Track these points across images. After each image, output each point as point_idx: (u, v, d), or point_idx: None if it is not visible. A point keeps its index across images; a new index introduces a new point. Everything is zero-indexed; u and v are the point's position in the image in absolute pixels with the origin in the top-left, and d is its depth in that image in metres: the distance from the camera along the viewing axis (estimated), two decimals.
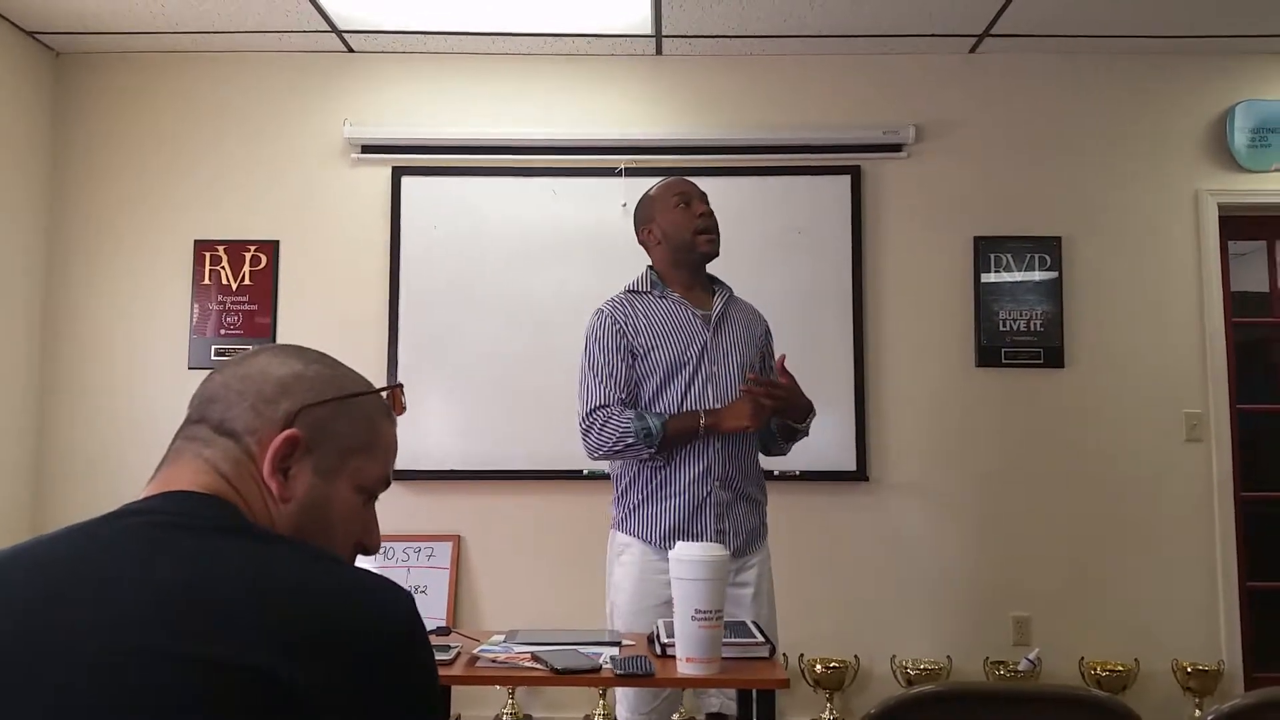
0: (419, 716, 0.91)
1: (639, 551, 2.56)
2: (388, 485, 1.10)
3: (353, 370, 1.09)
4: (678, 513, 2.54)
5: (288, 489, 1.00)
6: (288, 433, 1.00)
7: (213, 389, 1.03)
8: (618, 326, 2.62)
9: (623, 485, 2.63)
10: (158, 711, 0.79)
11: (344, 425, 1.04)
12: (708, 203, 2.70)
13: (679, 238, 2.66)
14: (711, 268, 2.75)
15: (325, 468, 1.03)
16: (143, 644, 0.81)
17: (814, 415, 2.71)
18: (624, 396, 2.58)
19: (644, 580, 2.52)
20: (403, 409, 1.14)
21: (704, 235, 2.65)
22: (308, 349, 1.08)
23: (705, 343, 2.62)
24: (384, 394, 1.11)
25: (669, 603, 2.39)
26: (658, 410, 2.57)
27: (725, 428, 2.52)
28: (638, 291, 2.70)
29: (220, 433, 1.00)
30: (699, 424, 2.51)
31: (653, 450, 2.51)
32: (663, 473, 2.55)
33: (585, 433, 2.57)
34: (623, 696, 2.51)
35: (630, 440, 2.50)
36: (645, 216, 2.74)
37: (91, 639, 0.82)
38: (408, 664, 0.91)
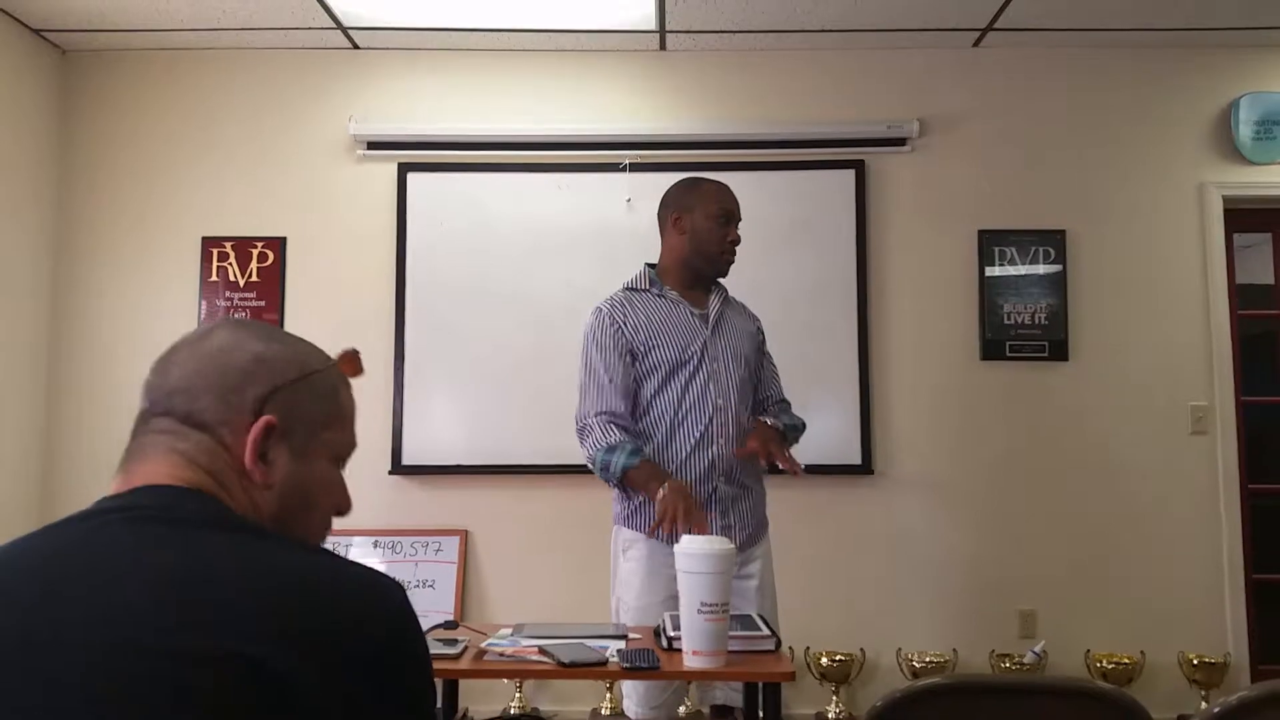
0: (413, 704, 0.92)
1: (645, 547, 2.55)
2: (355, 448, 1.11)
3: (305, 341, 1.08)
4: None
5: (270, 475, 1.00)
6: (265, 420, 0.99)
7: (173, 380, 1.01)
8: (616, 327, 2.63)
9: None
10: (154, 707, 0.79)
11: (311, 402, 1.04)
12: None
13: (706, 248, 2.67)
14: None
15: (300, 447, 1.03)
16: (138, 639, 0.82)
17: (803, 429, 2.79)
18: (621, 401, 2.58)
19: (651, 575, 2.52)
20: (360, 372, 1.12)
21: (726, 257, 2.68)
22: (256, 323, 1.07)
23: (705, 341, 2.63)
24: (340, 361, 1.11)
25: (676, 596, 2.40)
26: (660, 409, 2.59)
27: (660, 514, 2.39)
28: (636, 289, 2.70)
29: (191, 425, 0.99)
30: (660, 489, 2.41)
31: (611, 483, 2.55)
32: (669, 469, 2.55)
33: (579, 439, 2.61)
34: (631, 690, 2.52)
35: (593, 466, 2.55)
36: (684, 205, 2.69)
37: (86, 635, 0.82)
38: (402, 653, 0.91)
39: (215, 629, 0.82)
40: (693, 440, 2.57)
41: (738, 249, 2.70)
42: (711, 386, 2.60)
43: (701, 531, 2.30)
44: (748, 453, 2.55)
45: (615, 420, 2.56)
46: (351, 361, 1.11)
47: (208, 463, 0.98)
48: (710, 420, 2.58)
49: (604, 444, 2.52)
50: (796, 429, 2.76)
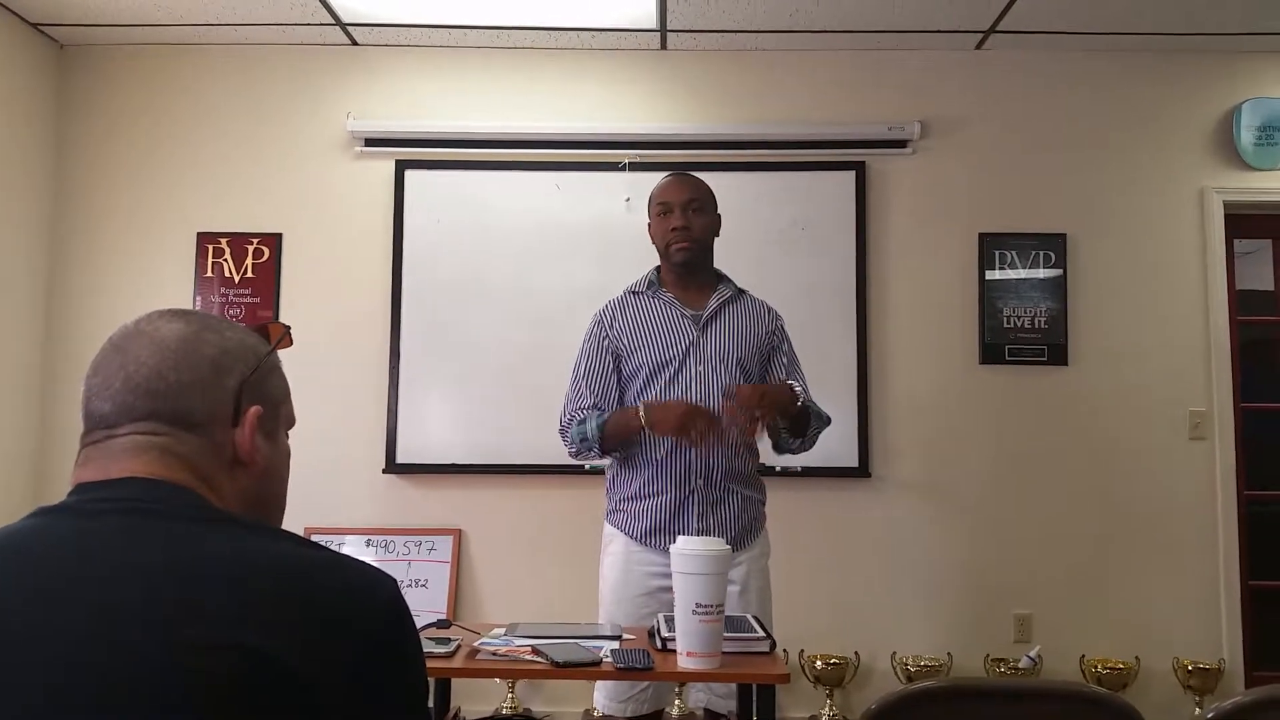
0: (408, 695, 0.93)
1: (623, 544, 2.60)
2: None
3: (235, 323, 1.10)
4: (661, 510, 2.56)
5: (258, 461, 1.02)
6: (255, 410, 1.01)
7: (141, 380, 0.98)
8: (603, 330, 2.68)
9: (610, 476, 2.69)
10: (154, 699, 0.80)
11: (271, 383, 1.07)
12: (694, 208, 2.65)
13: (658, 245, 2.70)
14: (717, 263, 2.75)
15: (270, 428, 1.05)
16: (136, 633, 0.82)
17: (826, 422, 2.70)
18: (601, 403, 2.64)
19: (627, 571, 2.57)
20: (291, 344, 1.13)
21: (674, 247, 2.65)
22: (187, 311, 1.05)
23: (692, 342, 2.62)
24: (281, 338, 1.12)
25: (650, 593, 2.48)
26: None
27: (659, 430, 2.48)
28: (636, 291, 2.73)
29: (181, 427, 0.98)
30: (638, 422, 2.49)
31: (599, 451, 2.59)
32: (647, 470, 2.57)
33: (560, 435, 2.67)
34: (601, 685, 2.53)
35: (575, 448, 2.60)
36: (647, 214, 2.76)
37: (85, 630, 0.82)
38: (396, 644, 0.92)
39: (212, 621, 0.83)
40: (670, 442, 2.55)
41: (697, 233, 2.64)
42: (694, 388, 2.60)
43: (712, 426, 2.40)
44: (742, 400, 2.45)
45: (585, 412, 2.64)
46: (287, 337, 1.13)
47: (198, 462, 0.98)
48: None
49: (575, 421, 2.61)
50: (820, 418, 2.67)
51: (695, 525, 2.54)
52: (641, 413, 2.49)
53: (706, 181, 2.74)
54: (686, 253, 2.64)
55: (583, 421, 2.57)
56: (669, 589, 2.34)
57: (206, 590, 0.85)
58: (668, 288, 2.70)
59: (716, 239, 2.74)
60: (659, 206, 2.68)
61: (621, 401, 2.67)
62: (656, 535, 2.54)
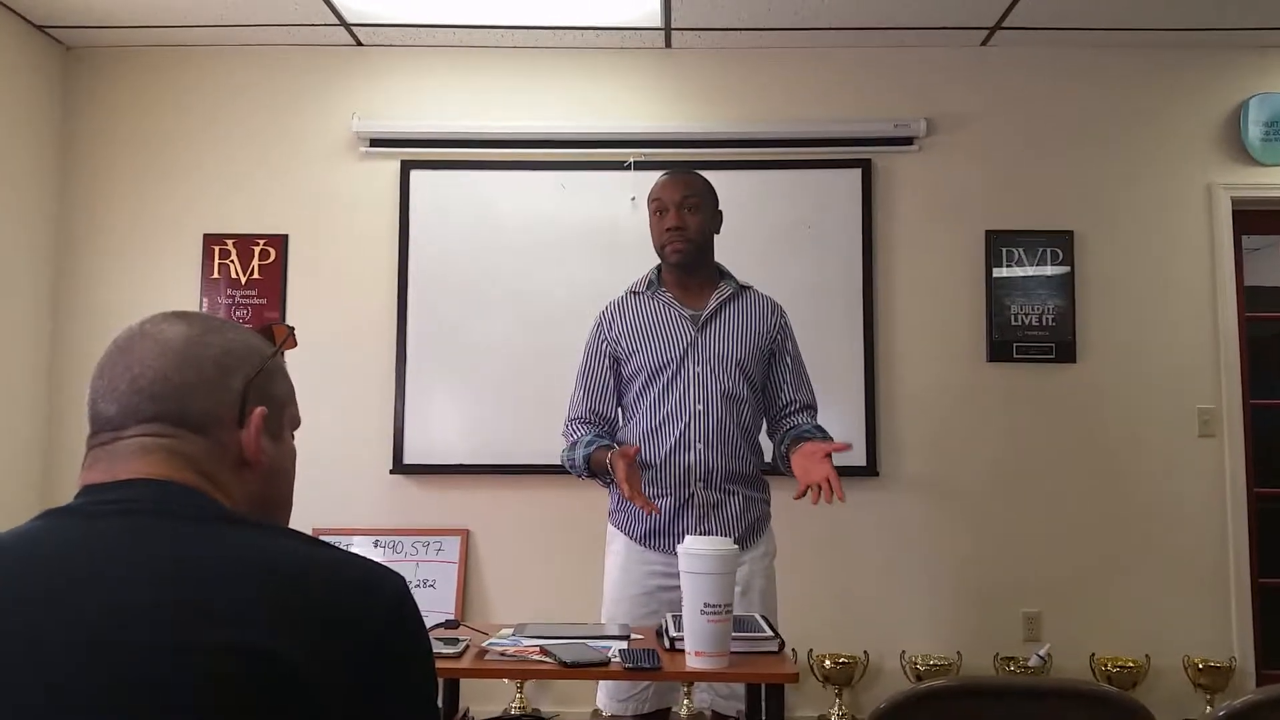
0: (415, 692, 0.93)
1: (623, 543, 2.61)
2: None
3: (239, 325, 1.10)
4: (661, 512, 2.53)
5: (262, 462, 1.02)
6: (260, 411, 1.01)
7: (147, 383, 0.99)
8: (602, 332, 2.67)
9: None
10: (158, 700, 0.80)
11: (276, 384, 1.07)
12: (689, 206, 2.60)
13: (655, 244, 2.67)
14: (722, 261, 2.73)
15: (275, 428, 1.05)
16: (141, 634, 0.82)
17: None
18: (598, 405, 2.66)
19: (627, 570, 2.58)
20: (295, 345, 1.13)
21: (669, 247, 2.61)
22: (191, 314, 1.05)
23: (690, 343, 2.59)
24: (285, 339, 1.12)
25: (649, 593, 2.49)
26: (641, 413, 2.61)
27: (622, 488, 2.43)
28: (636, 291, 2.71)
29: (185, 428, 0.98)
30: (607, 456, 2.48)
31: (584, 478, 2.62)
32: (647, 472, 2.56)
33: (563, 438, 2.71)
34: (602, 685, 2.52)
35: (567, 466, 2.65)
36: (648, 210, 2.73)
37: (90, 633, 0.82)
38: (403, 642, 0.92)
39: (218, 621, 0.83)
40: (669, 444, 2.55)
41: (692, 232, 2.59)
42: (692, 391, 2.57)
43: (636, 497, 2.36)
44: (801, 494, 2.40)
45: (583, 421, 2.66)
46: (292, 338, 1.12)
47: (204, 463, 0.98)
48: (687, 425, 2.56)
49: (568, 443, 2.64)
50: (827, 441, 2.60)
51: (695, 527, 2.51)
52: (609, 460, 2.46)
53: (709, 179, 2.70)
54: (681, 253, 2.61)
55: (573, 446, 2.61)
56: (668, 589, 2.36)
57: (213, 590, 0.85)
58: (668, 287, 2.67)
59: (718, 236, 2.70)
60: (655, 205, 2.65)
61: (620, 403, 2.67)
62: (656, 537, 2.54)
